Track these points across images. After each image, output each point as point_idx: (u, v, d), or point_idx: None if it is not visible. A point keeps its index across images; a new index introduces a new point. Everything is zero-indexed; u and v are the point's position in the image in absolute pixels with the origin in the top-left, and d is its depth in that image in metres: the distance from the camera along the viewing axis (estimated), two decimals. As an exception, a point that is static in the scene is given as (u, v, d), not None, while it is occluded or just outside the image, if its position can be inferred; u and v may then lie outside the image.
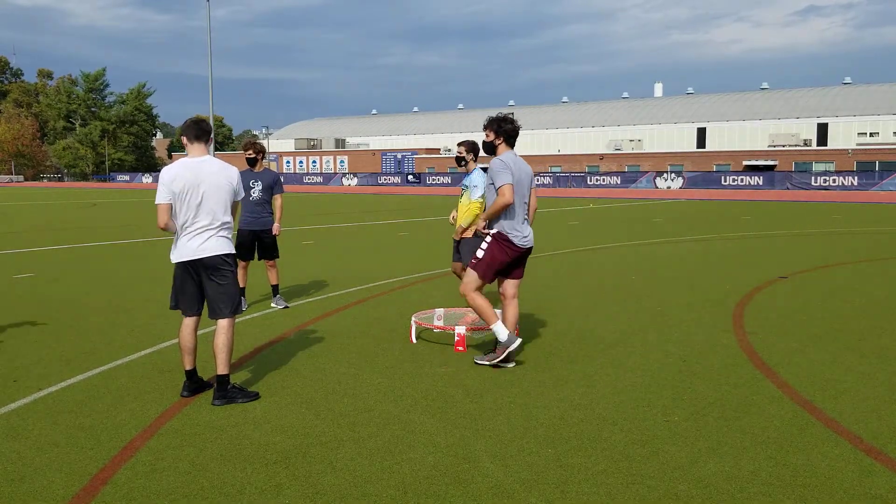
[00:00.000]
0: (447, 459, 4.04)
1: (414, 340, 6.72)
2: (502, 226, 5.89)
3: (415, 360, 6.09)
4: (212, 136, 5.19)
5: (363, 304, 8.63)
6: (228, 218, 5.10)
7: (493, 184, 5.85)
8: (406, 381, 5.50)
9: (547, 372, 5.75)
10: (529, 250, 6.05)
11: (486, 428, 4.52)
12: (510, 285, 6.14)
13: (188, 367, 5.16)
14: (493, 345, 6.16)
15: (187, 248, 5.01)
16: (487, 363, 5.88)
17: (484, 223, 6.03)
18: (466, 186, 7.60)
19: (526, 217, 6.04)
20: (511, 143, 6.01)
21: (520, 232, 5.91)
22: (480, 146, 7.50)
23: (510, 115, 6.04)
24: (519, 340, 5.87)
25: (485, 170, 6.68)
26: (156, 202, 5.01)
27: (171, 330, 7.06)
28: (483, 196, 7.52)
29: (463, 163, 7.67)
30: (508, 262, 5.96)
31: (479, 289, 5.92)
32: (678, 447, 4.21)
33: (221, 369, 5.00)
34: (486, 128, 6.03)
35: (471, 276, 5.92)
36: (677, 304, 8.55)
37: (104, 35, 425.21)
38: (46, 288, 9.90)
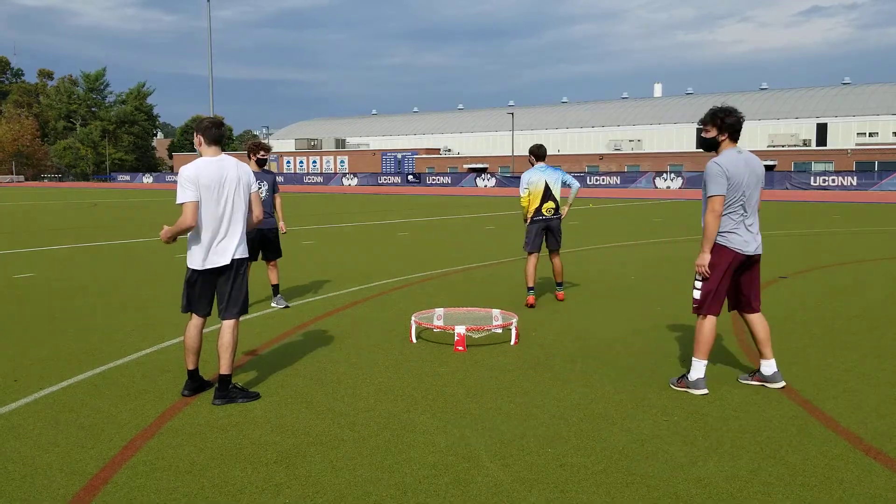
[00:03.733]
0: (447, 459, 4.04)
1: (414, 340, 6.73)
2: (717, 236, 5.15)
3: (415, 360, 6.09)
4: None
5: (363, 304, 8.63)
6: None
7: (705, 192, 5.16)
8: (406, 381, 5.50)
9: (547, 372, 5.75)
10: (752, 258, 5.23)
11: (486, 428, 4.52)
12: (752, 321, 5.40)
13: (191, 367, 5.16)
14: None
15: (216, 253, 4.98)
16: (693, 390, 5.23)
17: (707, 253, 5.13)
18: None
19: (747, 217, 5.16)
20: (735, 137, 5.19)
21: (739, 235, 5.12)
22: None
23: (731, 107, 5.21)
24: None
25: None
26: (180, 201, 4.85)
27: (171, 330, 7.06)
28: (525, 193, 8.49)
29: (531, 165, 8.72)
30: (729, 273, 5.17)
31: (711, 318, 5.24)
32: (678, 447, 4.21)
33: (224, 369, 5.00)
34: (705, 123, 5.21)
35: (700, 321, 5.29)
36: (677, 304, 8.55)
37: (109, 35, 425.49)
38: (46, 288, 9.91)
